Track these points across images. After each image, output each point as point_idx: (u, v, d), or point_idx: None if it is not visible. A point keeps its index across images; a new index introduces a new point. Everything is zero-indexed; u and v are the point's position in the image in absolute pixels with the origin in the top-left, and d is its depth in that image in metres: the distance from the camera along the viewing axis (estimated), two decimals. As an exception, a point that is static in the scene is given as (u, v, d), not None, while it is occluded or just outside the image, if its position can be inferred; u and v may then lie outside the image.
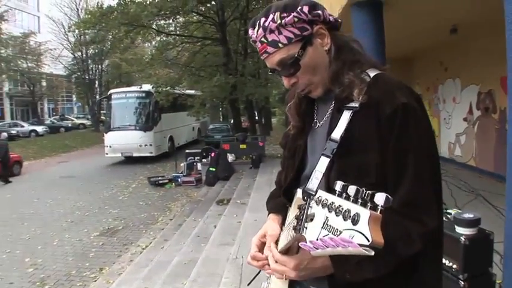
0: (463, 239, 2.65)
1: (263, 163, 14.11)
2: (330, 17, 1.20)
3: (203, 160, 14.54)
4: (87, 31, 24.63)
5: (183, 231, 8.09)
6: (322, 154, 1.13)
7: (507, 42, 2.06)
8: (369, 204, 0.71)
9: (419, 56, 11.39)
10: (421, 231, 1.04)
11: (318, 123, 1.28)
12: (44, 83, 39.12)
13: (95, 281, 6.15)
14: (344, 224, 0.70)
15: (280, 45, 1.13)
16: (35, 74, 35.75)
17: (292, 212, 1.22)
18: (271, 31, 1.12)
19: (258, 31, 1.15)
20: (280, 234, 1.31)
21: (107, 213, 10.19)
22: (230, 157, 14.73)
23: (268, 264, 1.22)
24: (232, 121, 23.57)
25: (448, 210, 3.11)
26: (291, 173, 1.34)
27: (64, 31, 33.92)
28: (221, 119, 32.39)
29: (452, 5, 5.82)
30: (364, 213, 0.68)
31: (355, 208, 0.70)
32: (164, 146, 20.21)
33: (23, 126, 30.97)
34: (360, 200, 0.73)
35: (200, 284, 4.97)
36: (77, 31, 25.51)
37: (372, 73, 1.17)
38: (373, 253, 0.68)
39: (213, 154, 14.06)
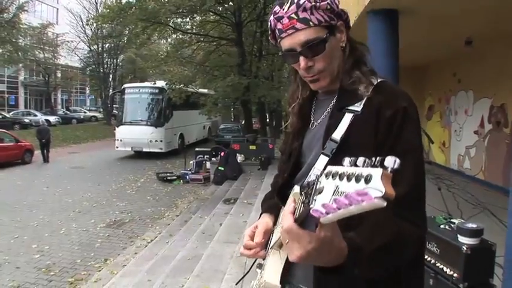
0: (465, 248, 2.66)
1: (272, 165, 14.13)
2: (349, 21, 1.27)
3: (212, 159, 14.64)
4: (104, 25, 24.96)
5: (188, 227, 8.15)
6: (322, 153, 1.16)
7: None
8: (379, 167, 0.72)
9: (433, 66, 11.36)
10: (418, 235, 1.09)
11: (315, 123, 1.33)
12: (59, 74, 39.75)
13: (99, 270, 6.22)
14: (357, 185, 0.70)
15: (311, 23, 1.16)
16: (50, 64, 36.25)
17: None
18: (305, 9, 1.15)
19: (289, 7, 1.17)
20: (273, 230, 1.35)
21: (115, 205, 10.29)
22: (239, 157, 14.83)
23: (261, 250, 1.27)
24: (243, 122, 23.61)
25: (452, 220, 3.13)
26: (285, 173, 1.37)
27: (82, 24, 34.47)
28: (232, 119, 32.37)
29: (468, 17, 5.83)
30: (376, 172, 0.70)
31: (367, 170, 0.71)
32: (174, 142, 20.30)
33: (36, 116, 31.25)
34: (369, 166, 0.74)
35: (203, 279, 5.02)
36: (94, 24, 25.75)
37: (379, 78, 1.23)
38: (385, 204, 0.68)
39: (222, 153, 14.17)
